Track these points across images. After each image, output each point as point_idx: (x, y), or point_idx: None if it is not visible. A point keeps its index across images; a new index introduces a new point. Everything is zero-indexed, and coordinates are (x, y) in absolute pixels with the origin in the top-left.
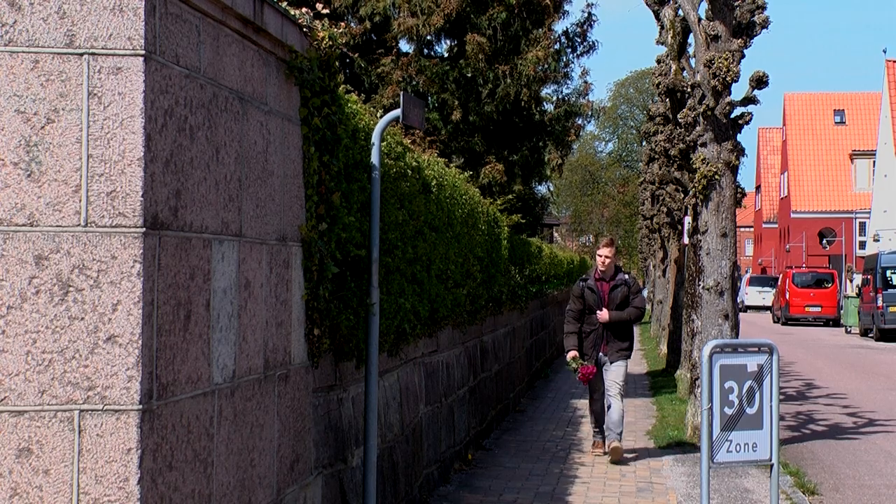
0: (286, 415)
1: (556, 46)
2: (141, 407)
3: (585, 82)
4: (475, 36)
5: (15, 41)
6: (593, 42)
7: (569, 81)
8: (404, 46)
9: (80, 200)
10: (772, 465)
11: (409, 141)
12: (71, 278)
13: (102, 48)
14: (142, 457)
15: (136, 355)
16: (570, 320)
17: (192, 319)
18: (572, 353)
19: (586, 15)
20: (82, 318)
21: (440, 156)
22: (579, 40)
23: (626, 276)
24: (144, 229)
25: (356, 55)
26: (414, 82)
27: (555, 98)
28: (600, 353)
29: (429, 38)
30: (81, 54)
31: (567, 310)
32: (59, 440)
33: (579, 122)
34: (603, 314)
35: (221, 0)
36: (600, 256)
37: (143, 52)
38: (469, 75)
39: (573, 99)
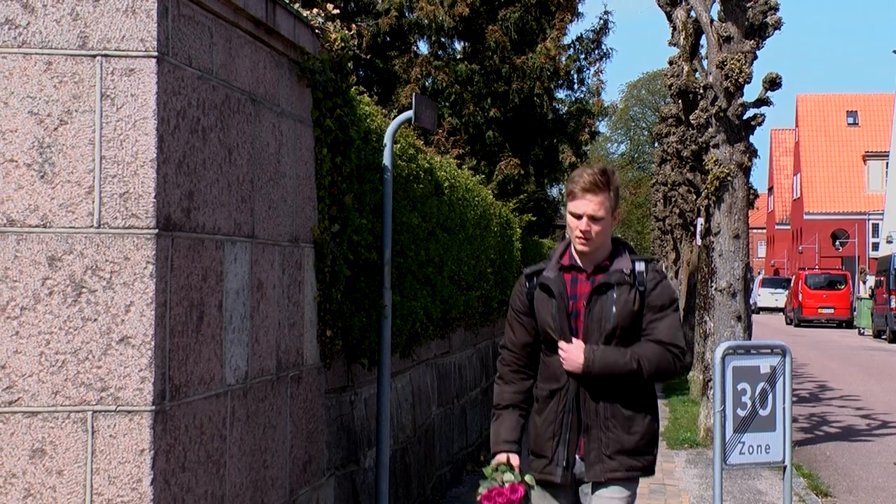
0: (298, 416)
1: (570, 52)
2: (154, 408)
3: (599, 80)
4: (495, 28)
5: (28, 43)
6: (607, 50)
7: (583, 87)
8: (421, 48)
9: (93, 202)
10: (785, 467)
11: (420, 142)
12: (84, 279)
13: (115, 50)
14: (155, 458)
15: (149, 356)
16: (504, 373)
17: (205, 320)
18: (499, 459)
19: (602, 22)
20: (95, 319)
21: (462, 155)
22: (593, 46)
23: (640, 266)
24: (157, 230)
25: (368, 55)
26: (431, 78)
27: (568, 100)
28: (575, 456)
29: (443, 40)
30: (94, 56)
31: (500, 347)
32: (72, 441)
33: (591, 120)
34: (571, 353)
35: (233, 1)
36: (575, 218)
37: (155, 53)
38: (484, 72)
39: (586, 99)
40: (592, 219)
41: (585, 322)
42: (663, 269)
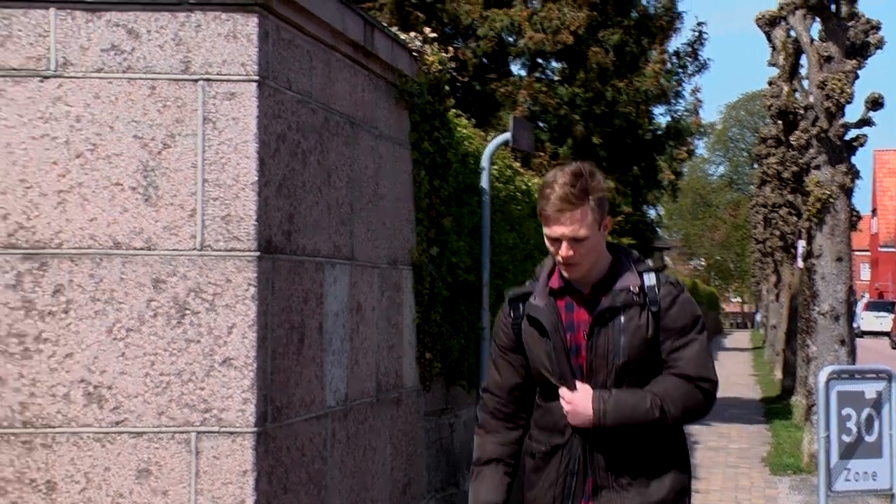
0: (398, 438)
1: (667, 67)
2: (256, 429)
3: (697, 99)
4: (597, 50)
5: (133, 68)
6: (704, 61)
7: (681, 101)
8: (515, 70)
9: (196, 224)
10: (893, 495)
11: (518, 164)
12: (187, 301)
13: (217, 74)
14: (257, 479)
15: (251, 378)
16: (486, 421)
17: (306, 342)
18: None
19: (696, 34)
20: (198, 341)
21: None
22: (690, 59)
23: (650, 279)
24: (258, 253)
25: (465, 77)
26: (535, 100)
27: (667, 118)
28: None
29: (539, 60)
30: (196, 80)
31: (482, 390)
32: (176, 461)
33: (689, 139)
34: (576, 404)
35: (332, 26)
36: (552, 243)
37: (256, 77)
38: (588, 95)
39: (684, 117)
40: (574, 240)
41: (588, 358)
42: (679, 280)
